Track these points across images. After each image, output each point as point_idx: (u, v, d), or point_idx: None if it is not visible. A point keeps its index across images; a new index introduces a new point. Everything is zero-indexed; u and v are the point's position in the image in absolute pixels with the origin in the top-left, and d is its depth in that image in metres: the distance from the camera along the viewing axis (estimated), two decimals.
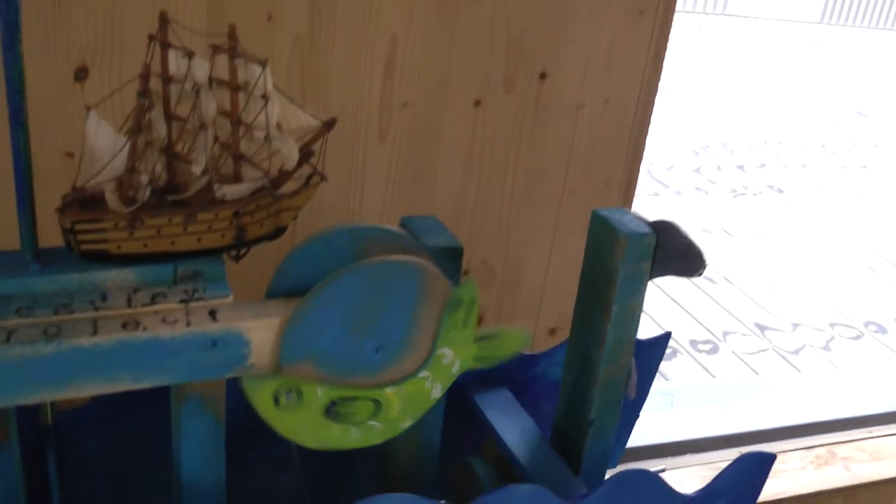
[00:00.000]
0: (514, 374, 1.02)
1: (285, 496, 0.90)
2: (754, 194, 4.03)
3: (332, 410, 0.71)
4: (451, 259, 0.78)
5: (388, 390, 0.73)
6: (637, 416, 1.09)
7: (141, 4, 1.00)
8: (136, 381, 0.66)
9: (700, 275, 0.89)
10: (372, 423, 0.73)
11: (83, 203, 0.68)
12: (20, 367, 0.63)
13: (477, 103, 1.17)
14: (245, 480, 0.86)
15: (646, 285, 0.89)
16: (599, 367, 0.91)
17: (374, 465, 0.90)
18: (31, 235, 0.68)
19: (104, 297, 0.68)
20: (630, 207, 1.32)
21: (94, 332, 0.64)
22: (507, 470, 0.94)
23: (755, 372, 2.52)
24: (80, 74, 1.01)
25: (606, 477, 0.92)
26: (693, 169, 4.35)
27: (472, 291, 0.72)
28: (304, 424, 0.71)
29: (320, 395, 0.70)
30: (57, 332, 0.64)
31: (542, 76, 1.19)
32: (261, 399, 0.68)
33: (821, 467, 1.70)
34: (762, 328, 2.79)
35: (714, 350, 2.61)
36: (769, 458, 0.93)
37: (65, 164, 1.05)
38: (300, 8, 1.05)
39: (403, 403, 0.74)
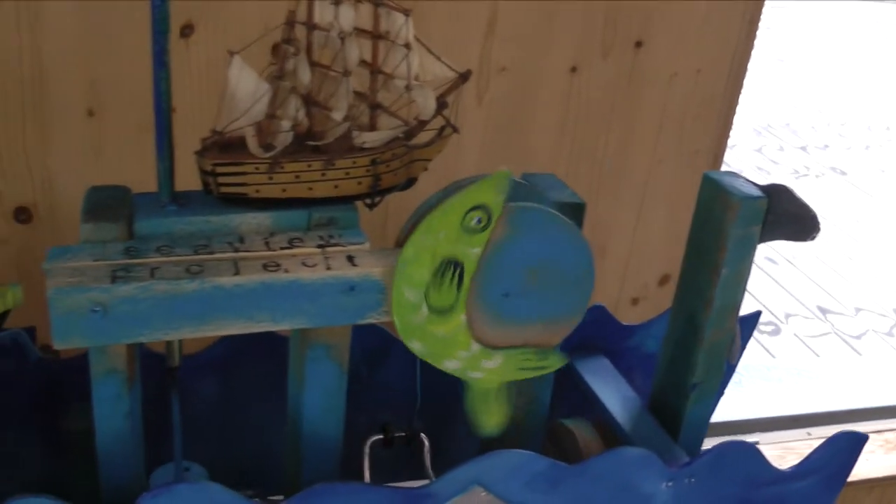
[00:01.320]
0: (611, 344, 1.03)
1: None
2: (816, 176, 3.98)
3: None
4: (574, 214, 0.78)
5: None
6: (725, 388, 1.10)
7: None
8: (275, 322, 0.67)
9: (813, 238, 0.89)
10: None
11: (222, 147, 0.69)
12: (163, 303, 0.64)
13: (573, 70, 1.17)
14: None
15: (755, 249, 0.89)
16: (705, 330, 0.91)
17: None
18: (168, 177, 0.70)
19: (241, 240, 0.69)
20: None
21: (237, 272, 0.66)
22: (608, 434, 0.94)
23: (816, 355, 2.51)
24: (186, 31, 1.03)
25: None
26: (755, 149, 4.30)
27: None
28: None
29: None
30: (200, 271, 0.65)
31: (638, 44, 1.19)
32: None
33: (890, 451, 1.69)
34: (824, 311, 2.77)
35: (776, 332, 2.60)
36: (861, 439, 0.93)
37: None
38: None
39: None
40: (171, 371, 0.75)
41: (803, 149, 4.41)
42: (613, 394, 0.96)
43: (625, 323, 1.01)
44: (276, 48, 0.68)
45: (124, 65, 1.03)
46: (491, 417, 0.77)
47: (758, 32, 1.26)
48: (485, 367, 0.75)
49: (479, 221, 0.67)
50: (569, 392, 0.98)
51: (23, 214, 1.07)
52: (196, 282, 0.64)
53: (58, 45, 1.00)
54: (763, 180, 0.91)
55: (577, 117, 1.19)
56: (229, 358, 0.87)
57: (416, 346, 0.71)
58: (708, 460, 0.85)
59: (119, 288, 0.63)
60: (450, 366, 0.74)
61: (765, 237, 0.89)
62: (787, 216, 0.88)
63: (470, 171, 1.14)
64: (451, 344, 0.72)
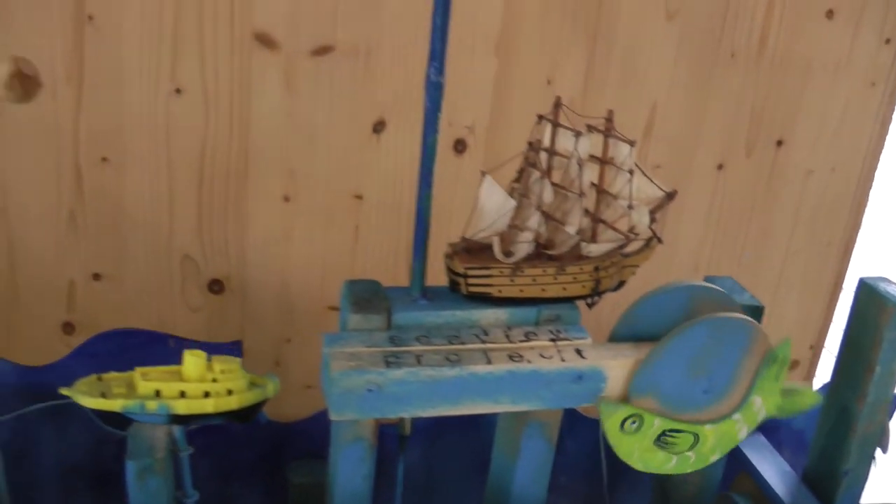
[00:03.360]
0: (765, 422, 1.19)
1: None
2: None
3: (660, 439, 0.89)
4: (754, 314, 0.96)
5: (707, 427, 0.90)
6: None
7: None
8: (514, 404, 0.85)
9: None
10: (688, 454, 0.91)
11: (469, 251, 0.88)
12: (427, 386, 0.82)
13: (719, 167, 1.35)
14: None
15: None
16: (858, 421, 1.07)
17: (656, 488, 1.07)
18: (421, 277, 0.88)
19: (486, 332, 0.87)
20: (847, 268, 1.48)
21: (488, 362, 0.83)
22: None
23: None
24: (378, 127, 1.23)
25: None
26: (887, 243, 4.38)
27: (788, 350, 0.90)
28: (638, 448, 0.89)
29: (656, 425, 0.88)
30: (458, 360, 0.83)
31: (779, 143, 1.37)
32: (611, 423, 0.86)
33: None
34: None
35: None
36: None
37: (353, 204, 1.26)
38: (577, 75, 1.25)
39: (716, 440, 0.92)
40: (402, 438, 0.93)
41: None
42: (770, 466, 1.12)
43: None
44: (522, 170, 0.87)
45: (319, 157, 1.22)
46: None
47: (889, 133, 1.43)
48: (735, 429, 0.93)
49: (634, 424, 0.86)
50: (729, 465, 1.14)
51: (216, 286, 1.26)
52: (455, 369, 0.82)
53: (262, 141, 1.20)
54: None
55: (721, 211, 1.37)
56: (431, 428, 1.04)
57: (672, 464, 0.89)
58: None
59: (392, 372, 0.81)
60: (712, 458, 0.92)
61: None
62: None
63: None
64: (682, 442, 0.90)
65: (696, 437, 0.90)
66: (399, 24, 1.17)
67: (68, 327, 1.26)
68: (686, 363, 0.86)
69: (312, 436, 1.13)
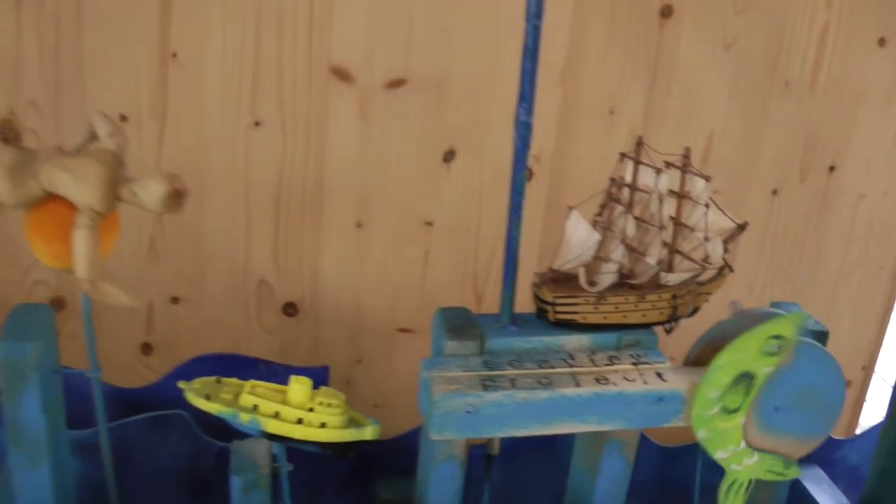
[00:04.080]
0: (822, 454, 1.28)
1: None
2: None
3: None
4: (819, 340, 1.05)
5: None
6: None
7: (505, 96, 1.31)
8: (600, 424, 0.94)
9: None
10: (737, 466, 1.00)
11: (555, 281, 0.97)
12: (520, 407, 0.92)
13: (774, 192, 1.44)
14: None
15: None
16: None
17: None
18: (510, 304, 0.98)
19: (572, 357, 0.96)
20: None
21: (577, 385, 0.93)
22: None
23: None
24: (448, 156, 1.32)
25: None
26: None
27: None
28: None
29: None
30: (549, 383, 0.93)
31: (832, 168, 1.46)
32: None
33: None
34: None
35: None
36: None
37: (423, 230, 1.35)
38: (637, 105, 1.35)
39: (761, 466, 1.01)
40: (489, 457, 1.03)
41: None
42: (830, 500, 1.21)
43: None
44: (604, 204, 0.96)
45: (391, 185, 1.32)
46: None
47: None
48: (744, 463, 1.02)
49: (777, 348, 0.93)
50: (790, 497, 1.23)
51: (290, 309, 1.36)
52: (547, 391, 0.92)
53: (337, 170, 1.30)
54: None
55: (776, 234, 1.46)
56: (508, 448, 1.14)
57: (701, 434, 0.97)
58: None
59: (489, 395, 0.91)
60: (719, 455, 1.00)
61: None
62: None
63: None
64: (727, 438, 0.98)
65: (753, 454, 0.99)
66: (469, 57, 1.27)
67: (147, 348, 1.36)
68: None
69: (400, 454, 1.22)
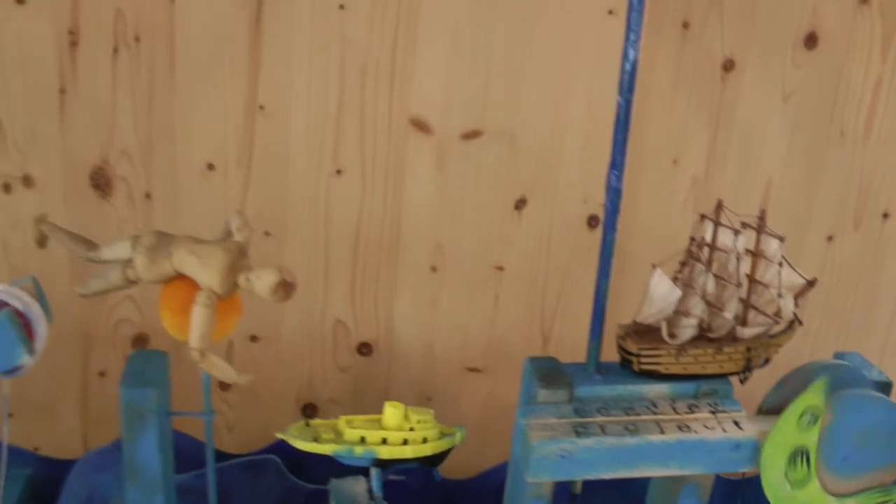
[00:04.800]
0: None
1: None
2: None
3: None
4: (883, 390, 1.16)
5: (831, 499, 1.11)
6: None
7: (573, 147, 1.42)
8: (681, 468, 1.05)
9: None
10: None
11: (638, 333, 1.08)
12: (609, 452, 1.03)
13: (829, 238, 1.55)
14: None
15: None
16: None
17: None
18: (596, 353, 1.09)
19: (655, 404, 1.07)
20: None
21: (661, 431, 1.04)
22: None
23: None
24: (520, 204, 1.44)
25: None
26: None
27: None
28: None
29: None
30: (635, 429, 1.04)
31: (885, 215, 1.57)
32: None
33: None
34: None
35: None
36: None
37: (494, 275, 1.47)
38: (700, 154, 1.46)
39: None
40: (573, 497, 1.14)
41: None
42: None
43: None
44: (684, 262, 1.07)
45: (464, 231, 1.44)
46: None
47: None
48: None
49: (811, 419, 1.05)
50: None
51: (365, 349, 1.48)
52: (634, 438, 1.03)
53: (413, 217, 1.41)
54: None
55: (830, 280, 1.57)
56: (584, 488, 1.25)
57: None
58: None
59: (581, 441, 1.02)
60: None
61: None
62: None
63: None
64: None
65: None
66: (541, 109, 1.39)
67: (225, 385, 1.47)
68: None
69: (481, 493, 1.34)
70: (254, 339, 1.45)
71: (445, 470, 1.46)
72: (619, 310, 1.37)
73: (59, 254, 1.40)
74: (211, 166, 1.36)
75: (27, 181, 1.37)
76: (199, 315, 0.99)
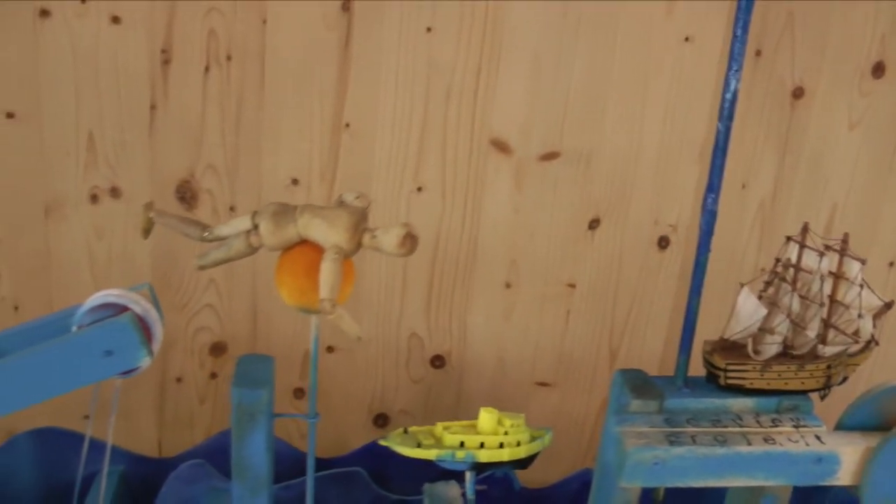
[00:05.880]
0: None
1: None
2: None
3: None
4: None
5: None
6: None
7: (647, 169, 1.53)
8: (766, 479, 1.16)
9: None
10: None
11: (724, 349, 1.19)
12: (699, 461, 1.13)
13: (891, 264, 1.66)
14: None
15: None
16: None
17: None
18: (685, 368, 1.20)
19: (740, 417, 1.18)
20: None
21: (749, 443, 1.15)
22: None
23: None
24: (593, 224, 1.55)
25: None
26: None
27: None
28: None
29: None
30: (724, 441, 1.14)
31: None
32: None
33: None
34: None
35: None
36: None
37: (566, 292, 1.58)
38: (768, 179, 1.57)
39: None
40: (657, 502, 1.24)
41: None
42: None
43: None
44: (769, 282, 1.18)
45: (538, 249, 1.54)
46: None
47: None
48: None
49: None
50: None
51: (438, 361, 1.58)
52: (724, 448, 1.13)
53: (490, 234, 1.52)
54: None
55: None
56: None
57: None
58: None
59: (674, 449, 1.12)
60: None
61: None
62: None
63: None
64: None
65: None
66: (617, 133, 1.50)
67: (299, 392, 1.58)
68: None
69: (557, 500, 1.44)
70: (330, 349, 1.56)
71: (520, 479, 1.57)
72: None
73: (142, 262, 1.51)
74: (295, 181, 1.47)
75: (114, 192, 1.48)
76: (328, 269, 1.07)
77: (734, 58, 1.10)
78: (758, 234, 1.57)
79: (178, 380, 1.57)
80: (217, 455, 1.49)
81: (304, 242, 1.12)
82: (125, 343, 1.07)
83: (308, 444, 1.22)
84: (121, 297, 1.09)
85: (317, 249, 1.11)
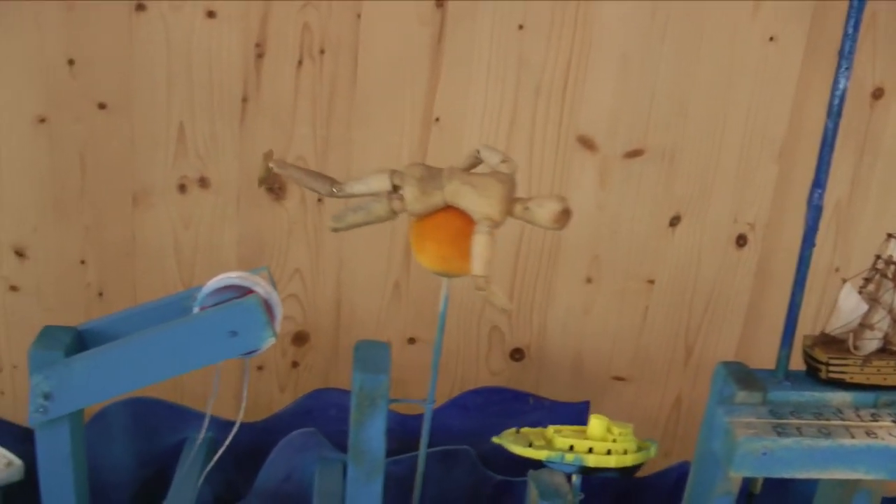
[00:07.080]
0: None
1: None
2: None
3: None
4: None
5: None
6: None
7: (727, 168, 1.59)
8: (867, 473, 1.21)
9: None
10: None
11: (824, 344, 1.25)
12: (805, 452, 1.19)
13: None
14: None
15: None
16: None
17: None
18: (787, 361, 1.26)
19: (840, 411, 1.24)
20: None
21: (852, 437, 1.21)
22: None
23: None
24: (674, 221, 1.61)
25: None
26: None
27: None
28: None
29: None
30: (828, 433, 1.20)
31: None
32: None
33: None
34: None
35: None
36: None
37: (645, 287, 1.64)
38: (845, 178, 1.63)
39: None
40: (751, 496, 1.30)
41: None
42: None
43: None
44: (869, 278, 1.25)
45: (620, 245, 1.60)
46: None
47: None
48: None
49: None
50: None
51: (518, 354, 1.64)
52: (828, 440, 1.19)
53: (573, 229, 1.55)
54: None
55: None
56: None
57: None
58: None
59: (781, 440, 1.18)
60: None
61: None
62: None
63: None
64: None
65: None
66: (701, 130, 1.56)
67: None
68: None
69: (657, 490, 1.51)
70: (411, 340, 1.61)
71: None
72: (761, 324, 1.55)
73: (228, 252, 1.57)
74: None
75: (203, 182, 1.53)
76: (481, 242, 1.08)
77: (844, 56, 1.16)
78: (833, 235, 1.63)
79: (260, 368, 1.63)
80: (298, 419, 1.53)
81: (448, 209, 1.13)
82: (251, 324, 1.12)
83: (423, 427, 1.28)
84: (244, 280, 1.14)
85: (463, 217, 1.12)
